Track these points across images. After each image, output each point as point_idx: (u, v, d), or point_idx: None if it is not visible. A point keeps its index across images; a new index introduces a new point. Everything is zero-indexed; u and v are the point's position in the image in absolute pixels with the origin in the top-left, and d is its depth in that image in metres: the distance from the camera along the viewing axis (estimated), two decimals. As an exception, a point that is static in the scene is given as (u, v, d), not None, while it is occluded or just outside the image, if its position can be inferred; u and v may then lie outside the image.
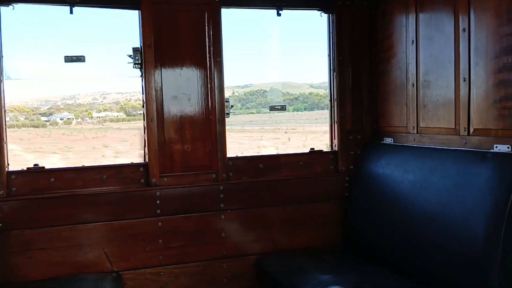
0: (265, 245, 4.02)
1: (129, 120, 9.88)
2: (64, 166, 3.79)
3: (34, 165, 3.68)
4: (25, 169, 3.65)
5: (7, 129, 3.56)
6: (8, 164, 3.56)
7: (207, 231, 3.90)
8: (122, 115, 9.96)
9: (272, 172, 4.11)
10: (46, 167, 3.67)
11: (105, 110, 10.07)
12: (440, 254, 3.05)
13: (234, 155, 4.07)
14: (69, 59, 3.67)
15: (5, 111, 3.55)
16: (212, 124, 3.89)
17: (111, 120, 10.12)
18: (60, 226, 3.60)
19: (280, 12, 4.09)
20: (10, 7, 3.54)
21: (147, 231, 3.76)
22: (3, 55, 3.52)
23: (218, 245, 3.92)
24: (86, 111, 10.27)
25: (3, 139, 3.50)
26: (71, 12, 3.66)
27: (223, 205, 3.92)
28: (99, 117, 10.17)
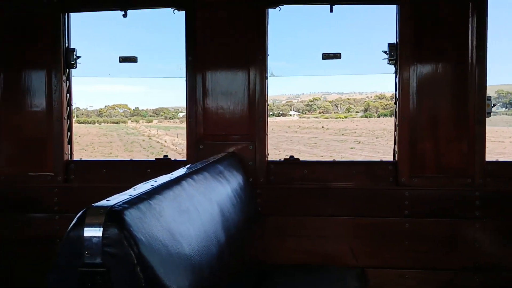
0: None
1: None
2: (317, 159, 3.94)
3: (290, 156, 3.92)
4: (282, 159, 3.91)
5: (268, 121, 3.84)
6: (267, 154, 3.85)
7: (458, 239, 3.65)
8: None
9: None
10: (300, 159, 3.88)
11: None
12: None
13: (493, 159, 3.74)
14: (326, 56, 3.80)
15: (268, 105, 3.83)
16: (469, 124, 3.63)
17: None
18: (311, 216, 3.76)
19: None
20: (277, 8, 3.79)
21: (393, 231, 3.70)
22: (268, 53, 3.80)
23: (469, 256, 3.65)
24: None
25: (265, 130, 3.79)
26: (331, 10, 3.77)
27: (478, 213, 3.62)
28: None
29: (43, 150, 3.89)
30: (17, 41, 3.87)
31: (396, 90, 3.74)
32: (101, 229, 1.45)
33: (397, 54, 3.69)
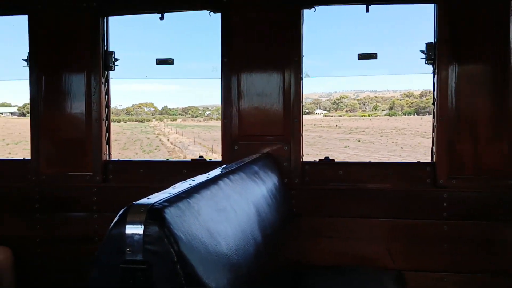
0: None
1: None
2: (351, 161, 3.91)
3: (325, 157, 3.90)
4: (317, 160, 3.90)
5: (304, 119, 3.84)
6: (302, 155, 3.84)
7: (498, 242, 3.56)
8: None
9: None
10: (335, 160, 3.85)
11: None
12: None
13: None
14: (362, 56, 3.76)
15: (302, 105, 3.82)
16: (510, 124, 3.53)
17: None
18: (346, 218, 3.73)
19: None
20: (312, 9, 3.78)
21: (432, 233, 3.63)
22: (303, 54, 3.79)
23: (509, 259, 3.55)
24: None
25: (300, 131, 3.78)
26: (367, 10, 3.74)
27: None
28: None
29: (82, 150, 3.99)
30: (58, 45, 3.98)
31: (434, 90, 3.68)
32: (142, 226, 1.48)
33: (435, 54, 3.63)
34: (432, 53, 3.64)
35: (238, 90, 3.79)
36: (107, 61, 3.98)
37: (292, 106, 3.76)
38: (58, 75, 4.00)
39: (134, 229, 1.48)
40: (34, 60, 3.99)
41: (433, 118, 3.71)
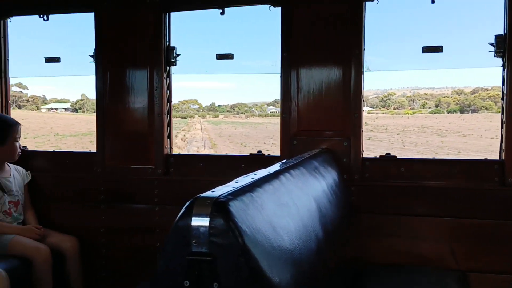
0: None
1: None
2: (414, 157, 3.79)
3: (386, 153, 3.82)
4: (378, 156, 3.81)
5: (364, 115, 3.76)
6: (363, 151, 3.77)
7: None
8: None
9: None
10: (397, 157, 3.76)
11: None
12: None
13: None
14: (426, 49, 3.64)
15: (363, 100, 3.75)
16: None
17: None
18: (408, 216, 3.63)
19: None
20: (375, 1, 3.70)
21: (499, 233, 3.47)
22: (365, 47, 3.71)
23: None
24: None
25: (360, 126, 3.71)
26: (433, 1, 3.61)
27: None
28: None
29: (145, 144, 4.09)
30: (122, 41, 4.10)
31: (503, 84, 3.51)
32: (208, 219, 1.49)
33: (504, 47, 3.46)
34: (502, 46, 3.47)
35: (298, 84, 3.77)
36: (169, 57, 4.06)
37: (352, 101, 3.69)
38: (123, 70, 4.12)
39: (200, 222, 1.50)
40: (100, 56, 4.12)
41: (502, 113, 3.54)
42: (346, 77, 3.68)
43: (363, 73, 3.70)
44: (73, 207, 4.22)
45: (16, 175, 4.11)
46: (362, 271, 3.37)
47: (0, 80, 4.47)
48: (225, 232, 1.49)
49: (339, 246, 2.74)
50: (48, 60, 4.34)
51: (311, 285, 1.93)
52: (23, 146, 4.37)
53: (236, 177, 1.99)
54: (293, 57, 3.75)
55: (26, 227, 3.91)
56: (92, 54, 4.18)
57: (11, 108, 4.62)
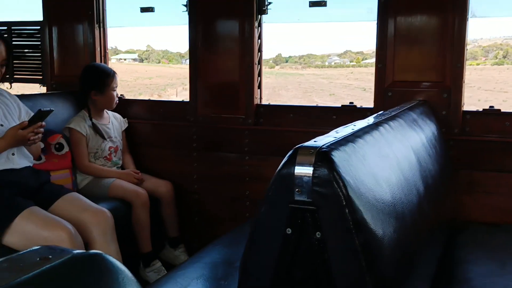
0: None
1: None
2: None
3: (490, 107, 3.57)
4: (481, 110, 3.58)
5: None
6: (463, 104, 3.55)
7: None
8: None
9: None
10: (501, 110, 3.50)
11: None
12: None
13: None
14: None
15: (466, 49, 3.49)
16: None
17: None
18: (510, 173, 3.41)
19: None
20: None
21: None
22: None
23: None
24: None
25: (462, 77, 3.48)
26: None
27: None
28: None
29: (236, 93, 4.12)
30: None
31: None
32: (312, 168, 1.47)
33: None
34: None
35: (395, 32, 3.57)
36: (260, 5, 3.99)
37: (454, 50, 3.45)
38: (214, 20, 4.11)
39: (304, 170, 1.48)
40: (193, 5, 4.14)
41: None
42: (449, 23, 3.43)
43: (467, 20, 3.43)
44: (167, 154, 4.39)
45: (114, 122, 4.32)
46: (459, 228, 3.24)
47: (99, 29, 4.64)
48: (329, 182, 1.47)
49: (438, 201, 2.63)
50: (143, 10, 4.43)
51: (413, 240, 1.88)
52: (121, 95, 4.56)
53: (326, 128, 1.94)
54: (391, 3, 3.55)
55: (125, 172, 4.12)
56: (185, 3, 4.20)
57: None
